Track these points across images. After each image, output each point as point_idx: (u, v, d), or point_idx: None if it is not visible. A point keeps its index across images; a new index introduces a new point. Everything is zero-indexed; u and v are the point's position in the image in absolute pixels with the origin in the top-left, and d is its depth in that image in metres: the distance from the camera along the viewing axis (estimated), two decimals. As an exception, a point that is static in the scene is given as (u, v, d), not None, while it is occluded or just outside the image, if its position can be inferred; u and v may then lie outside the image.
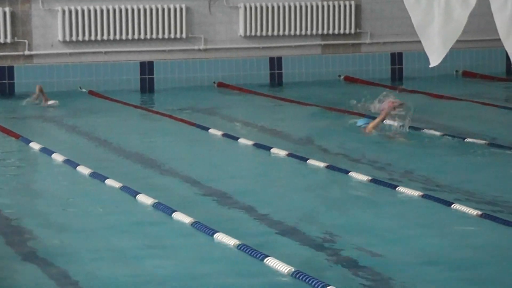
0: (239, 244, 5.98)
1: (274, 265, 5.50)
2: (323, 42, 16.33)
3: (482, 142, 9.94)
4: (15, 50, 14.74)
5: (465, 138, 10.06)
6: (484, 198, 7.66)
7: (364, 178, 8.26)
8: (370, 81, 15.57)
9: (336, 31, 16.34)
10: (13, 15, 14.66)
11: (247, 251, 5.90)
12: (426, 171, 8.86)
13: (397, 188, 7.87)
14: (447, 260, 5.98)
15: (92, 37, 14.73)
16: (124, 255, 6.11)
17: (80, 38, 14.67)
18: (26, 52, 14.62)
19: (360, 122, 11.01)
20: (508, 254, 6.13)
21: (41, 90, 13.09)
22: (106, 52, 14.99)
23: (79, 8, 14.64)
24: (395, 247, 6.32)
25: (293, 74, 15.86)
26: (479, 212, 6.92)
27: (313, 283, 5.14)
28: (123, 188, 7.95)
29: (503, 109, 12.76)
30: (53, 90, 13.94)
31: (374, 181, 8.18)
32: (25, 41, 14.61)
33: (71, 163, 9.08)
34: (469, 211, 6.98)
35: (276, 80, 15.66)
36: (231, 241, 6.12)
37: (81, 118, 12.12)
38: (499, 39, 6.77)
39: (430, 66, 7.17)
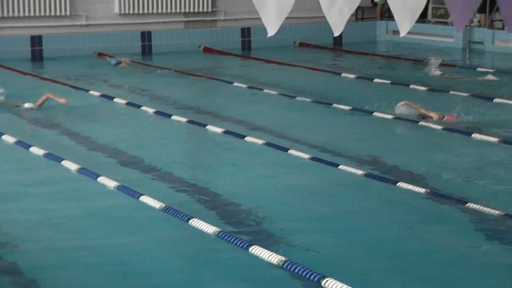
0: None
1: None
2: (185, 19, 17.85)
3: (308, 99, 11.48)
4: None
5: (295, 97, 11.62)
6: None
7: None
8: (224, 51, 17.12)
9: (196, 10, 17.90)
10: None
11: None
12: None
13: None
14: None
15: (-11, 15, 15.65)
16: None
17: (-22, 15, 15.51)
18: None
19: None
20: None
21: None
22: (1, 28, 16.07)
23: (-23, -10, 15.40)
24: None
25: (161, 45, 17.25)
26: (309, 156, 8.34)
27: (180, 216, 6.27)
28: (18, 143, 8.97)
29: (330, 73, 14.23)
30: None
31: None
32: None
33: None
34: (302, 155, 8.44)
35: (147, 50, 17.05)
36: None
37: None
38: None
39: (268, 36, 7.75)
